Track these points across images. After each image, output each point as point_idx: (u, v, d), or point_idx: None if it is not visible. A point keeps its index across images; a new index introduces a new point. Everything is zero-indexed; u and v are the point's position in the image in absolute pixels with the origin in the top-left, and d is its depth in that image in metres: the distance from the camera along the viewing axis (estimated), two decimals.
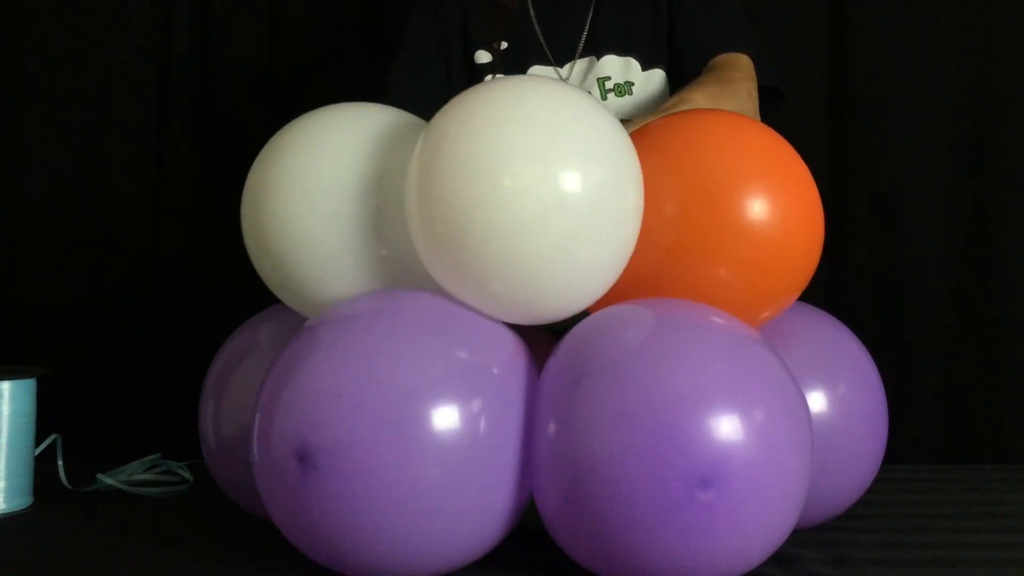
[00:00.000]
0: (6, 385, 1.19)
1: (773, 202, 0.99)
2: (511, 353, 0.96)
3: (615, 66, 1.45)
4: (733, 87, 1.29)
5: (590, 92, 1.45)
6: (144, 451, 1.45)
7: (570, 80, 1.48)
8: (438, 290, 0.98)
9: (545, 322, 1.00)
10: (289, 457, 0.88)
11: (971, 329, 1.67)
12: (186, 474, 1.35)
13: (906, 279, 1.67)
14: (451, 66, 1.50)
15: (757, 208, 0.98)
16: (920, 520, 1.18)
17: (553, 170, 0.91)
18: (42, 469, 1.24)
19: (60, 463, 1.27)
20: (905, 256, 1.67)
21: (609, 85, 1.46)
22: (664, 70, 1.45)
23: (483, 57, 1.49)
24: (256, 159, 1.06)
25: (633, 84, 1.44)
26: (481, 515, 0.91)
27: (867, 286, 1.67)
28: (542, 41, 1.48)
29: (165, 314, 1.71)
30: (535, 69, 1.47)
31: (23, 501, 1.21)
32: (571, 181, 0.91)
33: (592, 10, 1.49)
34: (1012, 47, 1.67)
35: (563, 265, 0.93)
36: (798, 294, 1.07)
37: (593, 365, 0.91)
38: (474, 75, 1.48)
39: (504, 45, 1.49)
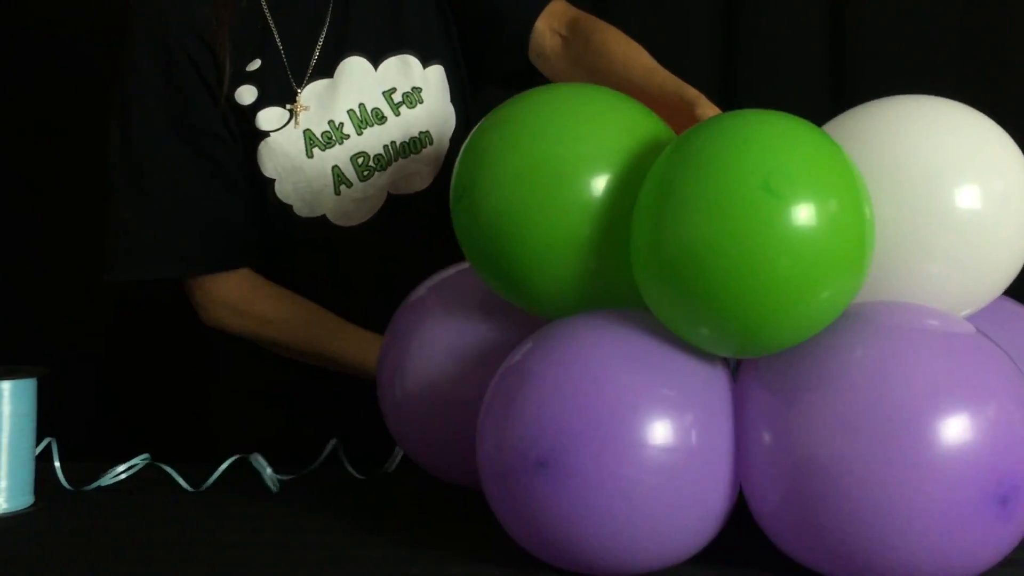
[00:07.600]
0: (6, 385, 1.19)
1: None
2: (717, 369, 0.96)
3: (394, 70, 1.31)
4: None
5: (379, 111, 1.29)
6: (142, 450, 1.44)
7: (339, 92, 1.28)
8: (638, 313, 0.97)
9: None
10: (528, 462, 0.90)
11: None
12: (180, 482, 1.30)
13: None
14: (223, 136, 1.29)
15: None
16: None
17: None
18: (42, 469, 1.24)
19: (57, 463, 1.26)
20: None
21: (397, 98, 1.31)
22: (442, 65, 1.33)
23: (246, 96, 1.29)
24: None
25: (421, 90, 1.31)
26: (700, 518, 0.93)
27: None
28: (284, 49, 1.31)
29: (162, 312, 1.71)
30: (313, 87, 1.28)
31: (24, 501, 1.21)
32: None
33: (334, 3, 1.32)
34: (1013, 47, 1.67)
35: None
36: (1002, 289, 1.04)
37: (831, 368, 0.90)
38: (246, 118, 1.29)
39: (257, 64, 1.30)
